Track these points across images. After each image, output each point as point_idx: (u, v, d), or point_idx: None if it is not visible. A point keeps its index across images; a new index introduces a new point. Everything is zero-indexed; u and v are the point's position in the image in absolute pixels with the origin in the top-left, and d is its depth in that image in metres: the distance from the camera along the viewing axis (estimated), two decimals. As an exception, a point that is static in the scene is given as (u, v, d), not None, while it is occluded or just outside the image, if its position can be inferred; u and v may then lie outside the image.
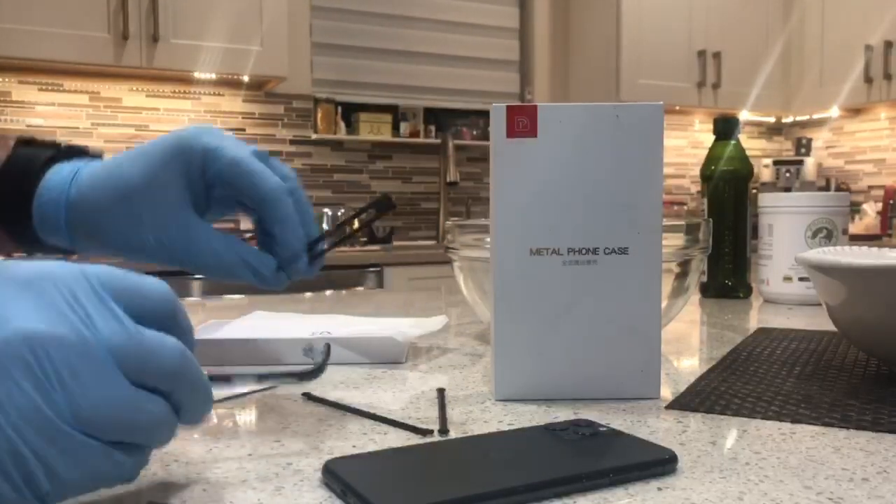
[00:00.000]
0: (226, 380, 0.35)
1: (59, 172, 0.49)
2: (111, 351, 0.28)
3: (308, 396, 0.50)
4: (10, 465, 0.26)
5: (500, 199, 0.48)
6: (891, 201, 3.31)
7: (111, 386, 0.27)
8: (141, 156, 0.48)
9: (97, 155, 0.53)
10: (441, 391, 0.50)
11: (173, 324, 0.31)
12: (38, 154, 0.50)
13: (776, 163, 3.78)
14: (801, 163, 3.73)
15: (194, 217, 0.48)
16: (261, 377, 0.37)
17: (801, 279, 0.95)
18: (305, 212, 0.50)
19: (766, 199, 0.99)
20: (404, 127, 3.17)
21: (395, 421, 0.43)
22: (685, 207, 3.68)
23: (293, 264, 0.50)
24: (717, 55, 3.40)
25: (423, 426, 0.42)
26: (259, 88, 2.90)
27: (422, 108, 3.23)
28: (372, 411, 0.46)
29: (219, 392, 0.50)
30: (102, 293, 0.28)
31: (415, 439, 0.41)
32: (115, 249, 0.49)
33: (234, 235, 0.49)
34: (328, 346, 0.39)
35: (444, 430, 0.42)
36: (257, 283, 0.50)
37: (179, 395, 0.30)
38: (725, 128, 1.05)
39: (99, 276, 0.29)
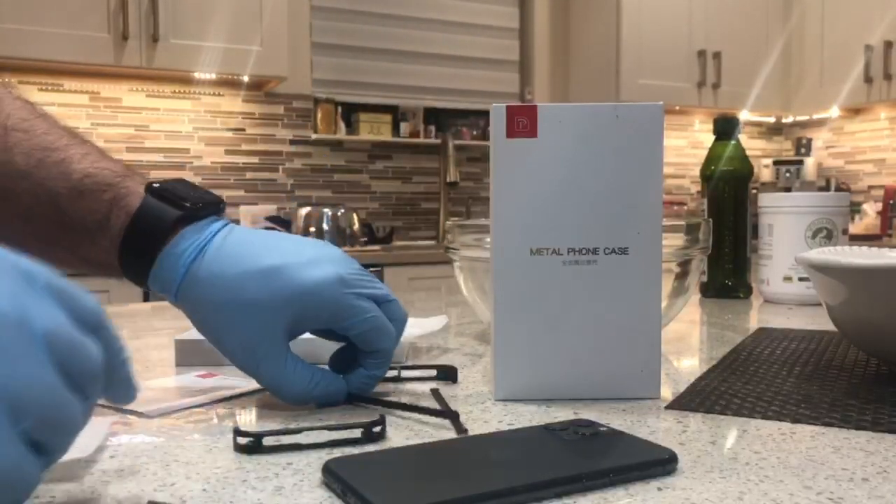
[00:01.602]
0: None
1: (186, 241, 0.47)
2: (45, 335, 0.27)
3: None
4: None
5: (500, 199, 0.48)
6: (891, 201, 3.31)
7: (41, 368, 0.26)
8: (270, 274, 0.46)
9: (221, 210, 0.50)
10: (435, 391, 0.50)
11: (104, 332, 0.30)
12: (165, 212, 0.47)
13: (776, 163, 3.78)
14: (801, 163, 3.73)
15: (286, 351, 0.47)
16: (330, 428, 0.40)
17: (801, 279, 0.95)
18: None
19: (766, 199, 0.99)
20: (404, 127, 3.17)
21: (423, 408, 0.44)
22: (685, 207, 3.68)
23: (367, 389, 0.50)
24: (717, 55, 3.40)
25: (428, 426, 0.42)
26: (259, 88, 2.90)
27: (422, 108, 3.23)
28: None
29: (221, 391, 0.51)
30: (43, 288, 0.28)
31: (414, 440, 0.41)
32: (202, 330, 0.48)
33: (315, 369, 0.48)
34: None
35: (455, 418, 0.42)
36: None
37: (92, 399, 0.29)
38: (725, 128, 1.05)
39: (43, 274, 0.29)
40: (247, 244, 0.48)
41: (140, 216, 0.47)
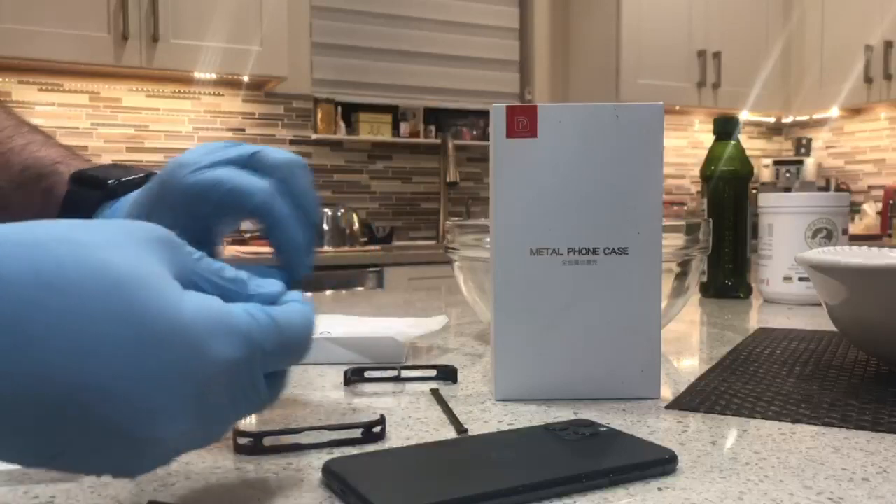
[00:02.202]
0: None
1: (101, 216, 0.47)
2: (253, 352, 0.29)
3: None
4: None
5: (500, 199, 0.48)
6: (891, 201, 3.31)
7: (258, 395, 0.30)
8: (138, 199, 0.44)
9: (144, 181, 0.48)
10: (435, 391, 0.50)
11: None
12: (88, 197, 0.48)
13: (776, 163, 3.78)
14: (801, 163, 3.73)
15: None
16: (330, 428, 0.40)
17: (801, 279, 0.95)
18: (307, 205, 0.42)
19: (766, 199, 0.99)
20: (404, 127, 3.17)
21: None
22: (685, 207, 3.68)
23: (298, 269, 0.42)
24: (717, 55, 3.40)
25: (428, 426, 0.42)
26: (259, 88, 2.90)
27: (422, 108, 3.23)
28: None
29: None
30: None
31: (414, 440, 0.41)
32: None
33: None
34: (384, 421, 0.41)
35: (461, 429, 0.42)
36: None
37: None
38: (725, 128, 1.05)
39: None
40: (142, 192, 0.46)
41: (66, 205, 0.48)
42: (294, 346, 0.31)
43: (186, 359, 0.26)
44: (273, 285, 0.32)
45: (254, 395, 0.30)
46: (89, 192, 0.48)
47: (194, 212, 0.41)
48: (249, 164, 0.41)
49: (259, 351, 0.29)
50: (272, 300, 0.32)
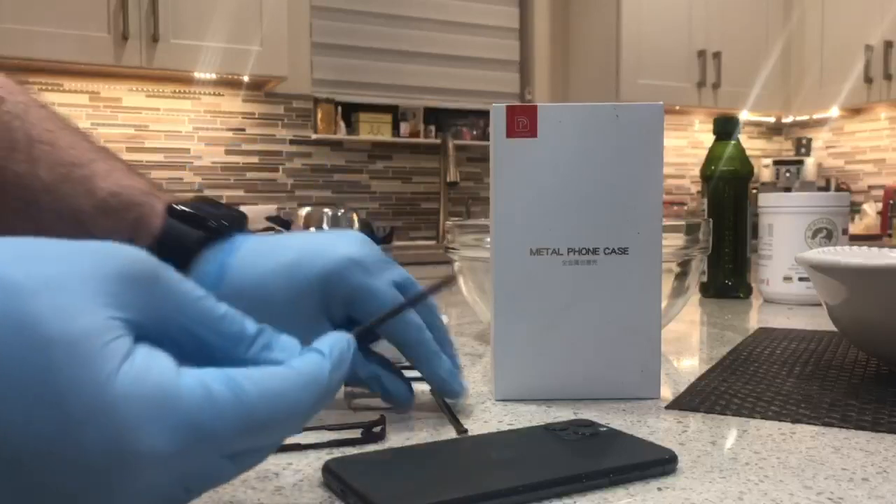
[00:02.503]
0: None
1: (209, 264, 0.46)
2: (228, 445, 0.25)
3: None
4: None
5: (500, 199, 0.48)
6: (891, 201, 3.31)
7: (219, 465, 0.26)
8: (287, 269, 0.45)
9: (244, 225, 0.49)
10: (434, 391, 0.50)
11: None
12: (188, 235, 0.46)
13: (776, 163, 3.78)
14: (801, 163, 3.73)
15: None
16: (330, 428, 0.40)
17: (801, 279, 0.95)
18: (444, 340, 0.48)
19: (766, 199, 0.99)
20: (404, 127, 3.17)
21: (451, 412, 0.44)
22: (685, 207, 3.68)
23: (451, 393, 0.47)
24: (717, 55, 3.40)
25: (428, 426, 0.42)
26: (259, 88, 2.90)
27: (422, 108, 3.23)
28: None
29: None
30: None
31: (414, 440, 0.41)
32: None
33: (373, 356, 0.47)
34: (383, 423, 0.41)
35: (461, 430, 0.42)
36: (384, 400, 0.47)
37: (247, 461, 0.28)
38: (725, 128, 1.05)
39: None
40: (262, 248, 0.46)
41: (163, 240, 0.46)
42: (270, 425, 0.25)
43: (108, 448, 0.22)
44: (289, 351, 0.28)
45: (210, 477, 0.26)
46: (189, 230, 0.47)
47: (352, 310, 0.45)
48: (407, 294, 0.46)
49: (211, 437, 0.24)
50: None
